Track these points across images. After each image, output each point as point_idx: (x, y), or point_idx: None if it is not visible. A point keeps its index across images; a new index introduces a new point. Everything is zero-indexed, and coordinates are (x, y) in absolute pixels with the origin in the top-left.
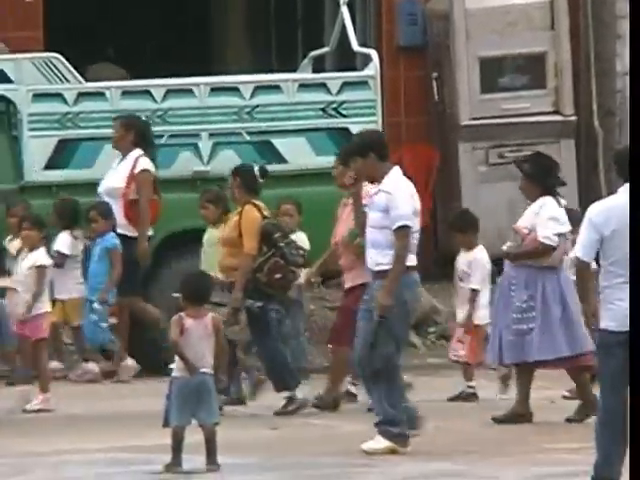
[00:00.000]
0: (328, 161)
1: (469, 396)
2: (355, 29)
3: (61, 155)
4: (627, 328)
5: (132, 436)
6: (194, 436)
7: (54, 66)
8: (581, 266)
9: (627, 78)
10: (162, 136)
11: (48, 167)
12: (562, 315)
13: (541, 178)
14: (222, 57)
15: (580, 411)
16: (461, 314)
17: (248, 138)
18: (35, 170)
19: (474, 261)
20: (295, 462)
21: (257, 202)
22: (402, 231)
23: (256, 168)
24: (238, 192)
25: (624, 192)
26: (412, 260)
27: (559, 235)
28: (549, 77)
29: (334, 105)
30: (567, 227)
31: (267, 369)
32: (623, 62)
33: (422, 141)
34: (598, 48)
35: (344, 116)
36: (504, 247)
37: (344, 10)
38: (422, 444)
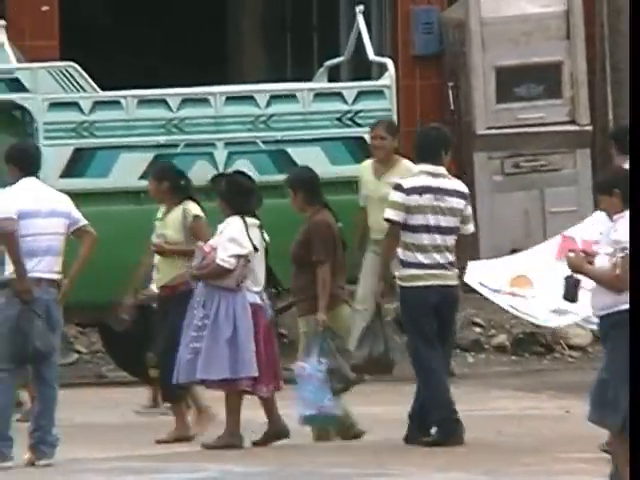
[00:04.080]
0: (343, 170)
1: None
2: (371, 38)
3: (77, 164)
4: None
5: (144, 444)
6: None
7: (70, 75)
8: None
9: None
10: (178, 145)
11: (64, 176)
12: (231, 337)
13: (233, 198)
14: (238, 66)
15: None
16: None
17: (263, 147)
18: (51, 179)
19: None
20: (308, 471)
21: None
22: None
23: None
24: None
25: None
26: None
27: (238, 257)
28: (565, 87)
29: (350, 114)
30: (247, 250)
31: None
32: None
33: None
34: (614, 58)
35: (360, 125)
36: (188, 265)
37: (360, 19)
38: (438, 455)
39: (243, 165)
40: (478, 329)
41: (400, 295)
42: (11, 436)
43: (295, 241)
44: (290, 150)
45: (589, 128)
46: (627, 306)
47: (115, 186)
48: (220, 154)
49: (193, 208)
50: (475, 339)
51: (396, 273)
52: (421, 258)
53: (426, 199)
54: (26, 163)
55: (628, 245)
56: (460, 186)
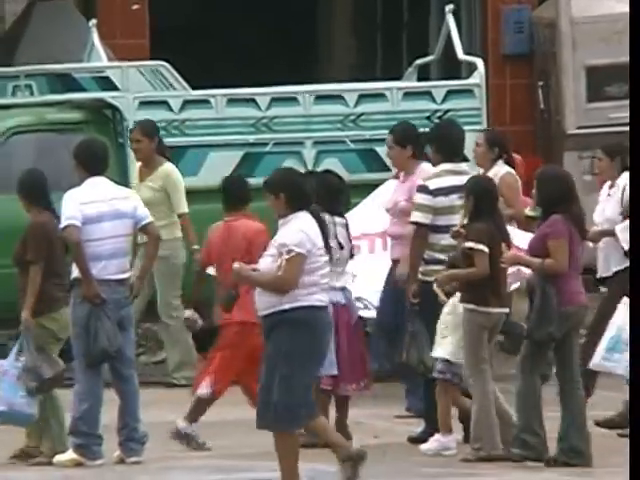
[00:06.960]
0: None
1: None
2: (460, 37)
3: None
4: None
5: (234, 443)
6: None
7: (160, 74)
8: None
9: None
10: (267, 144)
11: None
12: None
13: (322, 196)
14: (327, 65)
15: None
16: None
17: (352, 146)
18: None
19: None
20: (398, 470)
21: None
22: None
23: None
24: None
25: None
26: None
27: None
28: None
29: (439, 113)
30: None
31: None
32: None
33: (527, 149)
34: None
35: None
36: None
37: (449, 18)
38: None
39: (332, 164)
40: None
41: (422, 289)
42: (101, 434)
43: (19, 241)
44: (379, 149)
45: None
46: (290, 305)
47: (204, 184)
48: (309, 153)
49: None
50: None
51: (420, 269)
52: (441, 257)
53: (452, 199)
54: (92, 162)
55: (294, 247)
56: None
